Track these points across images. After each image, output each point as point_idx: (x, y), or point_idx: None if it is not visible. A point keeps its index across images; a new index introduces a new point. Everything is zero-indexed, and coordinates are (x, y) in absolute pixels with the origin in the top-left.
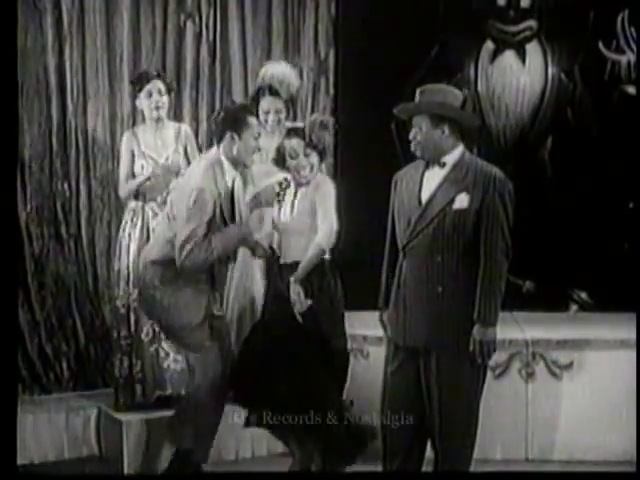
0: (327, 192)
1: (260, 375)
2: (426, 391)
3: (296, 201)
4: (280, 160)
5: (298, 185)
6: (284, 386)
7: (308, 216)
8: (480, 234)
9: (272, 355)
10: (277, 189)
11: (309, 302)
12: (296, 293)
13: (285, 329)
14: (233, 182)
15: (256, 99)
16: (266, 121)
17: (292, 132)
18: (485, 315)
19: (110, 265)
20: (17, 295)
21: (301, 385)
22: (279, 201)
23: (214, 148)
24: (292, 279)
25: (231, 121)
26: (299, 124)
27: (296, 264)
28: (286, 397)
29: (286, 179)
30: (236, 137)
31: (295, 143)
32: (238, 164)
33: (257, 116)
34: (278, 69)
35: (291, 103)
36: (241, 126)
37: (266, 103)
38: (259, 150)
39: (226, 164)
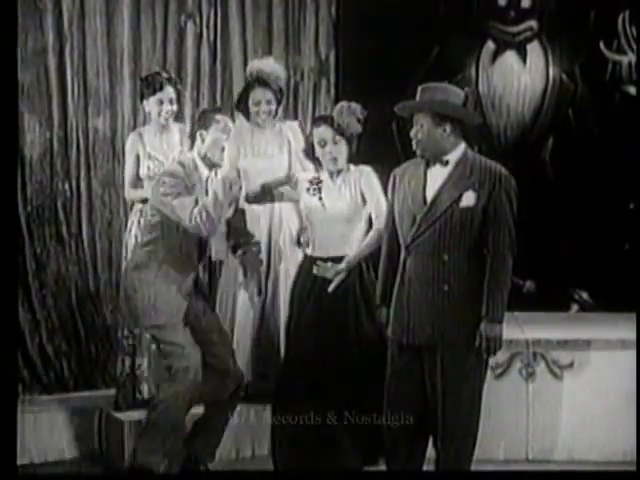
0: (372, 180)
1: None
2: (430, 389)
3: (341, 190)
4: (310, 150)
5: (330, 174)
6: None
7: (357, 204)
8: (488, 231)
9: (316, 354)
10: (307, 185)
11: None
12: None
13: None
14: (206, 181)
15: (246, 93)
16: (257, 113)
17: (320, 120)
18: (493, 312)
19: (111, 264)
20: (18, 295)
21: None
22: (313, 194)
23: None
24: (344, 265)
25: (201, 121)
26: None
27: (339, 258)
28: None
29: (314, 177)
30: (204, 133)
31: (323, 131)
32: (210, 163)
33: (248, 115)
34: (264, 62)
35: (280, 95)
36: (209, 123)
37: (256, 94)
38: (223, 148)
39: (199, 162)
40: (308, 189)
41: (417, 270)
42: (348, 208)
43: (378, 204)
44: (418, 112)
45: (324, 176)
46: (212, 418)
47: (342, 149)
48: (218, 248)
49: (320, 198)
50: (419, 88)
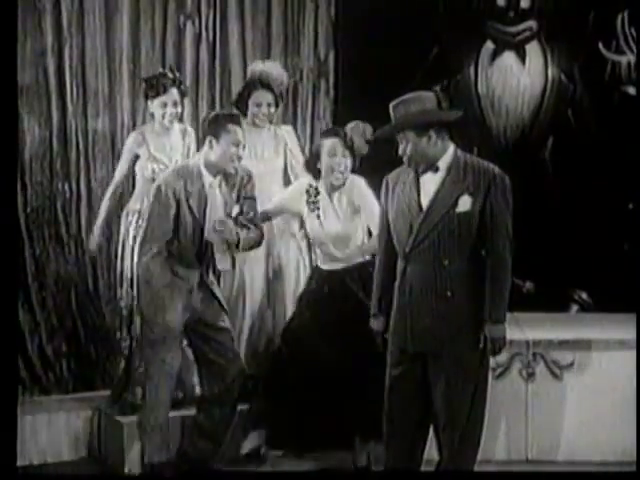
0: (365, 191)
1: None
2: (435, 394)
3: (336, 207)
4: (313, 160)
5: (332, 189)
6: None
7: (351, 219)
8: (486, 233)
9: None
10: (305, 197)
11: None
12: None
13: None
14: (209, 187)
15: (246, 93)
16: (256, 115)
17: (331, 132)
18: (496, 313)
19: (111, 265)
20: (17, 296)
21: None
22: (312, 210)
23: (197, 153)
24: None
25: (212, 127)
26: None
27: (345, 270)
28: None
29: (311, 185)
30: (214, 142)
31: (334, 142)
32: (216, 170)
33: (245, 113)
34: (268, 65)
35: (281, 99)
36: (220, 132)
37: (258, 95)
38: (240, 156)
39: (203, 169)
40: (308, 201)
41: (418, 278)
42: (343, 227)
43: (373, 215)
44: (399, 132)
45: (321, 190)
46: (211, 415)
47: (348, 164)
48: (220, 257)
49: (318, 216)
50: (390, 106)
